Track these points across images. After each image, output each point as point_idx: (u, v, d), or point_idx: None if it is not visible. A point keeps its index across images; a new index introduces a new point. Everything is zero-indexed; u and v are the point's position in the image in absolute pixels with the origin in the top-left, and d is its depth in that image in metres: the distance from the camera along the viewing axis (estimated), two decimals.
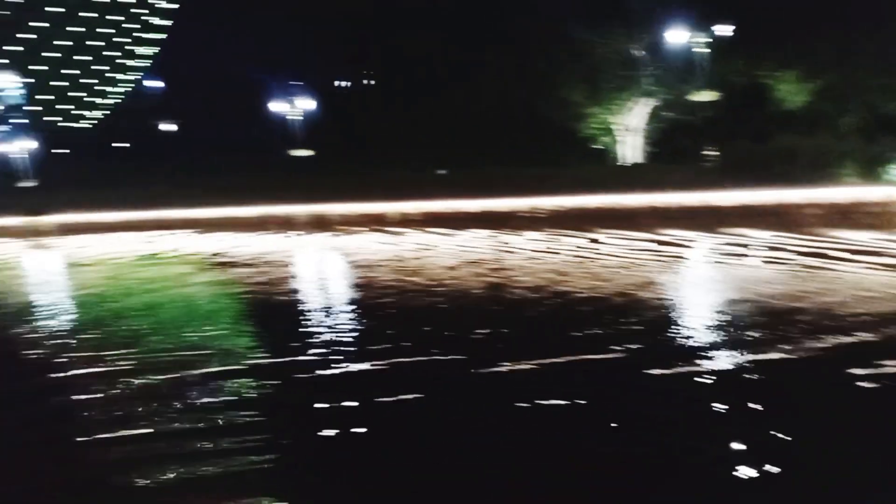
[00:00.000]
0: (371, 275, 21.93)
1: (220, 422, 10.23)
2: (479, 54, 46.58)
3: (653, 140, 47.43)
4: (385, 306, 17.36)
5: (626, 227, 27.92)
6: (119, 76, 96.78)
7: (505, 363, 11.57)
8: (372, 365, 12.10)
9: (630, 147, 47.48)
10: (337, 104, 55.96)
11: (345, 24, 67.26)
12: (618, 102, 45.86)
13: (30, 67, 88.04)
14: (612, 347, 12.04)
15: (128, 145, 67.20)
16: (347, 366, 12.28)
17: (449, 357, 12.31)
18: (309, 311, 17.67)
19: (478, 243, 27.63)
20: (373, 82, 64.13)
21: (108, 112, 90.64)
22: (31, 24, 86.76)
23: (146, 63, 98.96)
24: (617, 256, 22.39)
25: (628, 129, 47.15)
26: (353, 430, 9.41)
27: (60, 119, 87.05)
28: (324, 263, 27.80)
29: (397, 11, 55.49)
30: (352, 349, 13.52)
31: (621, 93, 45.37)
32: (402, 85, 49.55)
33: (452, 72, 46.78)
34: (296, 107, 47.53)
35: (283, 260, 27.81)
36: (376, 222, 35.64)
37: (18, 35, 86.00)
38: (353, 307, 17.66)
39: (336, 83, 71.76)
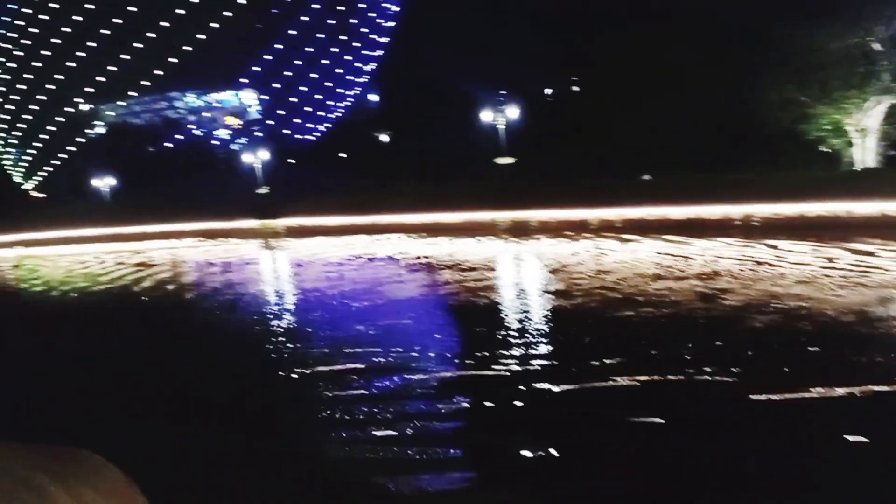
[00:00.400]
0: (573, 282, 21.78)
1: (422, 429, 10.51)
2: (686, 55, 44.59)
3: (891, 142, 42.52)
4: (589, 317, 17.09)
5: (856, 237, 25.25)
6: (342, 91, 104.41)
7: (709, 394, 10.76)
8: (573, 385, 11.75)
9: (863, 149, 42.93)
10: (541, 112, 56.28)
11: (551, 33, 67.61)
12: (851, 101, 41.65)
13: (273, 85, 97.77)
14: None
15: (345, 155, 72.18)
16: (551, 383, 12.01)
17: (653, 378, 11.66)
18: (514, 318, 17.88)
19: (686, 252, 26.41)
20: (576, 89, 63.68)
21: (331, 125, 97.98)
22: (274, 46, 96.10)
23: (366, 78, 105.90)
24: (846, 269, 20.36)
25: (861, 130, 42.67)
26: (550, 450, 9.26)
27: (290, 132, 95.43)
28: (525, 269, 28.10)
29: (601, 17, 54.72)
30: (553, 363, 13.37)
31: (855, 90, 41.17)
32: (605, 90, 48.67)
33: (658, 75, 45.18)
34: (502, 116, 48.58)
35: (489, 265, 28.48)
36: (578, 229, 35.36)
37: (265, 56, 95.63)
38: (557, 316, 17.59)
39: (545, 90, 72.27)
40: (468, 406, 11.48)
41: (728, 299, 17.56)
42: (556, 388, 11.82)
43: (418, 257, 32.14)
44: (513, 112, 49.09)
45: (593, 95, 51.03)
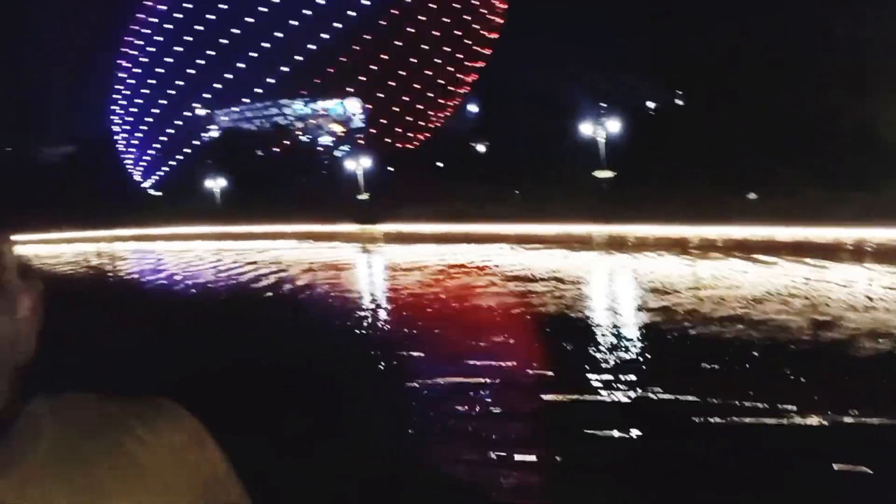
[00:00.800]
0: (672, 302, 21.41)
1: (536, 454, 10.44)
2: (798, 67, 42.87)
3: None
4: (687, 339, 16.79)
5: None
6: (443, 101, 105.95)
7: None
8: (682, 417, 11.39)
9: None
10: (642, 125, 55.37)
11: (655, 45, 66.40)
12: None
13: (377, 95, 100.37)
14: None
15: (442, 165, 73.01)
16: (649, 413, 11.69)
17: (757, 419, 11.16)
18: (624, 340, 17.62)
19: (788, 275, 25.49)
20: (680, 102, 62.30)
21: (430, 134, 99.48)
22: (381, 56, 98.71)
23: (466, 89, 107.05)
24: None
25: None
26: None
27: (391, 140, 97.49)
28: (623, 285, 27.80)
29: (709, 31, 53.32)
30: (651, 387, 13.07)
31: None
32: (711, 105, 47.42)
33: (767, 87, 43.65)
34: (603, 129, 48.20)
35: (587, 279, 28.30)
36: (676, 246, 34.62)
37: (371, 66, 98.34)
38: (652, 337, 17.32)
39: (647, 103, 71.05)
40: (575, 433, 11.38)
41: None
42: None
43: (519, 268, 32.24)
44: (613, 125, 48.63)
45: (698, 110, 49.82)
